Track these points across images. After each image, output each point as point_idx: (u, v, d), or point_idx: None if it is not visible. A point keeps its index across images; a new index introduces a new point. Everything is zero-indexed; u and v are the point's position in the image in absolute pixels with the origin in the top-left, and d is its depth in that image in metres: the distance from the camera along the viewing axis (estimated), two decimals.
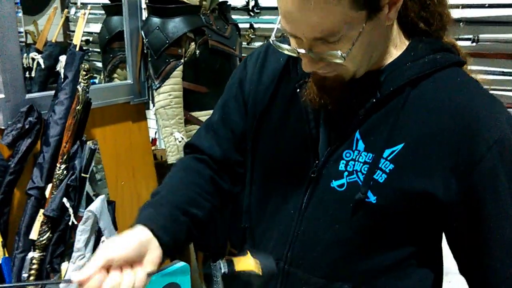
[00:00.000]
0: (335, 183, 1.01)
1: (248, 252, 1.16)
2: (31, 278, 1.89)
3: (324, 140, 1.05)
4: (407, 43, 1.03)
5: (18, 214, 1.96)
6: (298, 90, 1.08)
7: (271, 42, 1.00)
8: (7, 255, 1.89)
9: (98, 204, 1.84)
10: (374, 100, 0.98)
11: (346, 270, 1.04)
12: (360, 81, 1.00)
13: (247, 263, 1.21)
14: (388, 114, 0.98)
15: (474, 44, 2.94)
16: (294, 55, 0.96)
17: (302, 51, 0.93)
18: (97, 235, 1.92)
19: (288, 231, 1.09)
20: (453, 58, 1.02)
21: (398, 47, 1.02)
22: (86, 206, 1.96)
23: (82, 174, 1.94)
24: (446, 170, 0.94)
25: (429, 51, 1.00)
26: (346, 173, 1.00)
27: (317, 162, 1.04)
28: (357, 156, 0.99)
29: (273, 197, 1.14)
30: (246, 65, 1.23)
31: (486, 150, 0.93)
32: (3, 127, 1.96)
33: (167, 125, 2.48)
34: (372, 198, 0.97)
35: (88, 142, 2.02)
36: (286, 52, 0.98)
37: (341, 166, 1.00)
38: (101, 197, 1.89)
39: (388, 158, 0.96)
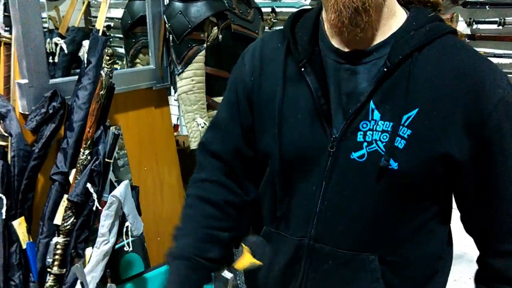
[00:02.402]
0: (355, 155, 1.03)
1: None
2: (55, 263, 1.90)
3: (338, 114, 1.06)
4: (405, 14, 1.07)
5: (42, 199, 1.97)
6: (303, 69, 1.10)
7: None
8: (31, 240, 1.91)
9: (122, 189, 1.84)
10: (385, 69, 1.01)
11: (372, 241, 1.06)
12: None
13: (245, 259, 1.22)
14: (398, 81, 1.01)
15: (500, 27, 2.88)
16: None
17: None
18: (121, 220, 1.92)
19: (311, 208, 1.10)
20: (448, 27, 1.06)
21: (397, 18, 1.06)
22: (109, 192, 1.96)
23: (106, 159, 1.94)
24: (458, 129, 0.97)
25: (429, 20, 1.05)
26: (365, 144, 1.02)
27: (334, 136, 1.05)
28: (374, 126, 1.01)
29: (294, 177, 1.15)
30: (244, 59, 1.25)
31: (493, 107, 0.96)
32: (27, 113, 1.96)
33: (189, 110, 2.47)
34: (394, 165, 0.99)
35: (111, 128, 2.01)
36: None
37: (360, 137, 1.02)
38: (125, 182, 1.89)
39: (405, 124, 0.99)
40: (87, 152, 1.92)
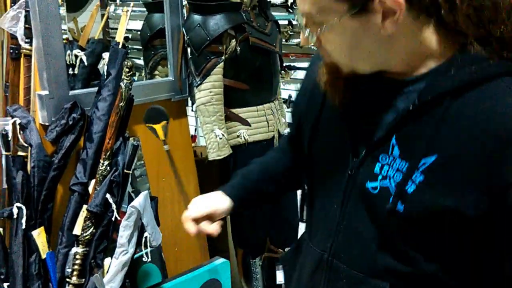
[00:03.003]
0: (369, 185, 1.00)
1: None
2: (75, 273, 1.91)
3: (363, 139, 1.04)
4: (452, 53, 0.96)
5: (62, 209, 1.99)
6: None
7: None
8: (51, 250, 1.92)
9: (141, 200, 1.85)
10: (411, 107, 0.95)
11: (383, 269, 1.03)
12: (386, 87, 1.00)
13: None
14: (425, 124, 0.94)
15: None
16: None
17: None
18: (140, 231, 1.92)
19: (332, 224, 1.10)
20: (506, 66, 0.91)
21: (438, 59, 0.96)
22: (127, 203, 1.97)
23: (125, 170, 1.95)
24: (477, 190, 0.88)
25: (479, 59, 0.91)
26: (380, 177, 0.99)
27: (355, 160, 1.04)
28: (392, 162, 0.98)
29: (320, 191, 1.16)
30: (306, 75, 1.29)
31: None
32: (47, 124, 1.98)
33: (208, 121, 2.48)
34: (400, 207, 0.95)
35: (130, 139, 2.03)
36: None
37: (377, 169, 1.00)
38: (145, 193, 1.90)
39: (420, 169, 0.93)
40: (106, 163, 1.93)
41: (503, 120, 0.86)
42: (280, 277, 2.78)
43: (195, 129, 3.60)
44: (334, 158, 1.10)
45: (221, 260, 2.31)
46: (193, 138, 3.49)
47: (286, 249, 2.51)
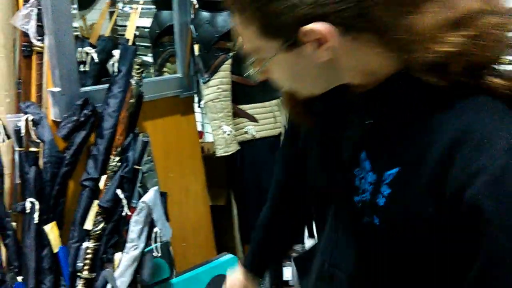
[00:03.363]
0: (356, 198, 1.00)
1: None
2: (86, 267, 1.94)
3: (337, 157, 1.06)
4: None
5: (73, 204, 2.01)
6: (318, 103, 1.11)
7: None
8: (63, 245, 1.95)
9: (152, 195, 1.88)
10: (372, 121, 0.96)
11: (377, 281, 1.03)
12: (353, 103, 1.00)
13: None
14: (387, 136, 0.94)
15: None
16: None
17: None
18: (150, 226, 1.95)
19: (331, 234, 1.12)
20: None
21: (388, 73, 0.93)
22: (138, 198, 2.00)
23: (135, 166, 1.98)
24: (435, 197, 0.85)
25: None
26: (360, 190, 0.99)
27: (340, 175, 1.05)
28: (365, 175, 0.97)
29: (319, 202, 1.19)
30: None
31: (467, 179, 0.79)
32: (59, 120, 2.01)
33: (215, 118, 2.50)
34: (376, 220, 0.95)
35: (140, 135, 2.05)
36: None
37: (357, 183, 1.00)
38: (155, 188, 1.93)
39: (386, 182, 0.93)
40: (117, 159, 1.96)
41: (460, 125, 0.83)
42: (287, 274, 2.81)
43: (202, 126, 3.63)
44: (322, 173, 1.12)
45: (229, 256, 2.34)
46: (200, 134, 3.51)
47: (295, 246, 2.52)
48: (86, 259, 1.93)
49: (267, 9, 0.86)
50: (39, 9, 1.98)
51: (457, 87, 0.84)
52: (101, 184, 1.96)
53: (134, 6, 2.08)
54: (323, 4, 0.83)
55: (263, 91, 2.65)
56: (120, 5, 3.46)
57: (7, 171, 2.03)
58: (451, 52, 0.81)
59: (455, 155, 0.81)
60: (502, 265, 0.78)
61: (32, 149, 1.95)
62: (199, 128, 3.51)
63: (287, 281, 2.85)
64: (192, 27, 2.50)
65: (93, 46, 2.24)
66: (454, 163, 0.81)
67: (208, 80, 2.49)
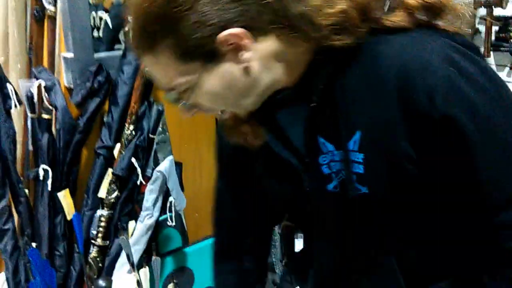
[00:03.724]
0: (330, 186, 0.99)
1: None
2: (99, 235, 1.93)
3: (295, 156, 1.05)
4: None
5: (87, 172, 1.99)
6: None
7: None
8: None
9: (167, 164, 1.86)
10: (312, 105, 0.97)
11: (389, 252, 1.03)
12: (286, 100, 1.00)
13: None
14: (333, 110, 0.95)
15: None
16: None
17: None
18: (164, 195, 1.93)
19: (320, 240, 1.13)
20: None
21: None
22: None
23: (150, 135, 1.95)
24: (403, 134, 0.89)
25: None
26: (333, 175, 0.99)
27: (303, 175, 1.05)
28: (332, 157, 0.98)
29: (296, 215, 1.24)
30: None
31: (428, 101, 0.85)
32: (71, 86, 1.97)
33: None
34: (364, 189, 0.94)
35: (154, 103, 2.02)
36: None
37: (325, 170, 0.99)
38: (170, 158, 1.90)
39: (355, 149, 0.93)
40: (131, 127, 1.93)
41: (390, 65, 0.89)
42: (299, 245, 2.80)
43: None
44: (286, 189, 1.11)
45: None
46: None
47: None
48: (100, 226, 1.92)
49: (177, 35, 0.87)
50: None
51: (364, 37, 0.91)
52: (116, 153, 1.94)
53: None
54: (226, 10, 0.86)
55: None
56: None
57: (19, 137, 2.01)
58: (343, 9, 0.88)
59: (407, 89, 0.86)
60: (495, 149, 0.87)
61: (45, 116, 1.92)
62: None
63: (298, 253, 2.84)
64: None
65: (107, 11, 2.19)
66: (410, 95, 0.86)
67: None
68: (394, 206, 0.96)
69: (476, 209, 0.93)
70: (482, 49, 2.78)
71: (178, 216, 2.12)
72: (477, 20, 2.94)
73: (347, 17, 0.88)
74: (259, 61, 0.92)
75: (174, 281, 2.02)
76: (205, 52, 0.89)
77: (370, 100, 0.91)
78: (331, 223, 1.06)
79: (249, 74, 0.92)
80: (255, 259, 1.37)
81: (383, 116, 0.90)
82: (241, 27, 0.87)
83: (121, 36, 2.30)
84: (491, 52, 2.89)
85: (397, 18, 0.91)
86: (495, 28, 2.92)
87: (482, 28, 2.93)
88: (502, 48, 2.92)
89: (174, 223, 1.98)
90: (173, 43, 0.88)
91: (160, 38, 0.89)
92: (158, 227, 2.04)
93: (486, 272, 0.96)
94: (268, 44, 0.91)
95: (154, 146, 2.00)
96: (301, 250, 1.34)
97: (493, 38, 2.91)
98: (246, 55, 0.90)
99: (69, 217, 1.91)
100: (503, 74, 2.96)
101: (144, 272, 1.93)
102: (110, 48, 2.19)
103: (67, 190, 1.92)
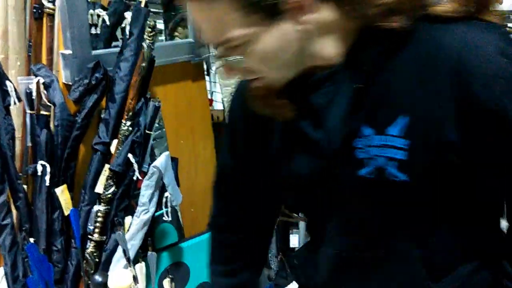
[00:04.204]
0: (363, 172, 0.97)
1: None
2: (96, 230, 1.95)
3: (324, 139, 1.01)
4: None
5: (84, 168, 2.02)
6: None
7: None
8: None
9: (163, 160, 1.87)
10: (356, 86, 0.95)
11: (417, 240, 1.02)
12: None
13: None
14: (376, 93, 0.94)
15: None
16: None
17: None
18: (160, 191, 1.95)
19: (335, 224, 1.10)
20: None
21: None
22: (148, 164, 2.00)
23: (147, 131, 1.97)
24: (453, 123, 0.89)
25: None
26: (368, 160, 0.96)
27: (330, 159, 1.01)
28: (370, 142, 0.95)
29: (302, 199, 1.18)
30: None
31: (484, 91, 0.87)
32: (70, 83, 1.99)
33: (227, 84, 2.49)
34: (402, 177, 0.93)
35: (151, 100, 2.04)
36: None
37: (360, 155, 0.96)
38: (166, 153, 1.92)
39: (399, 134, 0.92)
40: (128, 123, 1.95)
41: (445, 50, 0.89)
42: (294, 241, 2.82)
43: (211, 93, 3.61)
44: (310, 170, 1.07)
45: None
46: (209, 102, 3.49)
47: (301, 215, 2.52)
48: (96, 222, 1.94)
49: None
50: None
51: (414, 22, 0.90)
52: (113, 148, 1.96)
53: None
54: None
55: None
56: None
57: (18, 134, 2.03)
58: None
59: (464, 78, 0.87)
60: None
61: (43, 112, 1.95)
62: (208, 96, 3.50)
63: (293, 248, 2.86)
64: None
65: (104, 9, 2.21)
66: (466, 84, 0.87)
67: None
68: (429, 194, 0.95)
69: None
70: None
71: (174, 211, 2.14)
72: None
73: (403, 0, 0.89)
74: (315, 27, 0.91)
75: (170, 276, 2.04)
76: (268, 6, 0.87)
77: (421, 86, 0.90)
78: (357, 207, 1.03)
79: (304, 38, 0.92)
80: (254, 243, 1.33)
81: (434, 103, 0.89)
82: None
83: (118, 34, 2.33)
84: None
85: (450, 7, 0.91)
86: None
87: None
88: None
89: (170, 218, 2.00)
90: None
91: None
92: (154, 223, 2.07)
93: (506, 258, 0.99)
94: (326, 13, 0.91)
95: (151, 142, 2.01)
96: (306, 243, 1.31)
97: None
98: (306, 17, 0.89)
99: (66, 213, 1.93)
100: None
101: (140, 267, 1.95)
102: (108, 45, 2.22)
103: (65, 185, 1.94)
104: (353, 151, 0.97)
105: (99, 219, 1.95)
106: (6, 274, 1.93)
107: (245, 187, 1.25)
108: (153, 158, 2.10)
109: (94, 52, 2.06)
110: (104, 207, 1.95)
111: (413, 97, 0.91)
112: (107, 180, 1.94)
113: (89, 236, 1.95)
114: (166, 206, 1.99)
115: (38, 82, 1.92)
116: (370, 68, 0.94)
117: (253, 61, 0.94)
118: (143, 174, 1.99)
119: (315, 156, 1.03)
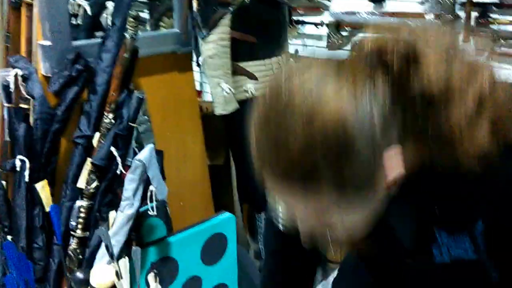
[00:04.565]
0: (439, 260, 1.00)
1: None
2: (79, 226, 1.89)
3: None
4: None
5: (65, 163, 1.96)
6: None
7: None
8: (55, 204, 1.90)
9: (147, 153, 1.81)
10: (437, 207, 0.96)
11: None
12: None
13: None
14: (451, 208, 0.96)
15: None
16: None
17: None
18: (145, 184, 1.90)
19: None
20: None
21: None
22: (132, 157, 1.94)
23: (130, 123, 1.92)
24: None
25: None
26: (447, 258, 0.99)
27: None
28: (450, 245, 0.98)
29: None
30: None
31: None
32: (49, 75, 1.94)
33: (214, 75, 2.43)
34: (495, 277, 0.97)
35: (135, 91, 1.98)
36: None
37: (438, 259, 1.00)
38: (150, 146, 1.86)
39: (478, 240, 0.95)
40: (111, 115, 1.89)
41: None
42: None
43: (200, 85, 3.55)
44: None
45: (227, 214, 2.30)
46: (198, 93, 3.45)
47: None
48: (79, 217, 1.89)
49: (343, 175, 0.83)
50: None
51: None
52: (95, 142, 1.90)
53: None
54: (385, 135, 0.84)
55: (263, 48, 2.56)
56: None
57: None
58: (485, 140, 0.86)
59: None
60: None
61: (22, 105, 1.89)
62: (198, 88, 3.45)
63: None
64: None
65: None
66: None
67: (207, 36, 2.41)
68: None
69: None
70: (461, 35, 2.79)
71: (162, 205, 2.09)
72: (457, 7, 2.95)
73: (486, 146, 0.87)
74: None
75: (155, 270, 1.98)
76: (366, 187, 0.86)
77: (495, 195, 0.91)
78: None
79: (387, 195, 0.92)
80: None
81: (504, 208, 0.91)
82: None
83: (103, 20, 2.27)
84: (471, 37, 2.88)
85: None
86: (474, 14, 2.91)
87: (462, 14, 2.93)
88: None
89: (155, 213, 1.95)
90: (336, 183, 0.84)
91: (327, 183, 0.84)
92: (141, 217, 2.01)
93: None
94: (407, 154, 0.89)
95: (134, 134, 1.96)
96: None
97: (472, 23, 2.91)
98: (392, 180, 0.88)
99: (47, 209, 1.87)
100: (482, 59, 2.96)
101: (124, 262, 1.89)
102: (90, 35, 2.17)
103: (45, 181, 1.89)
104: (432, 255, 0.99)
105: (82, 214, 1.89)
106: None
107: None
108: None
109: (75, 43, 2.01)
110: (87, 203, 1.89)
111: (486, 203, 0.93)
112: (89, 174, 1.88)
113: (72, 233, 1.90)
114: (151, 200, 1.93)
115: (16, 75, 1.86)
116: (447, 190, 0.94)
117: (341, 233, 0.95)
118: (128, 167, 1.93)
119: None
